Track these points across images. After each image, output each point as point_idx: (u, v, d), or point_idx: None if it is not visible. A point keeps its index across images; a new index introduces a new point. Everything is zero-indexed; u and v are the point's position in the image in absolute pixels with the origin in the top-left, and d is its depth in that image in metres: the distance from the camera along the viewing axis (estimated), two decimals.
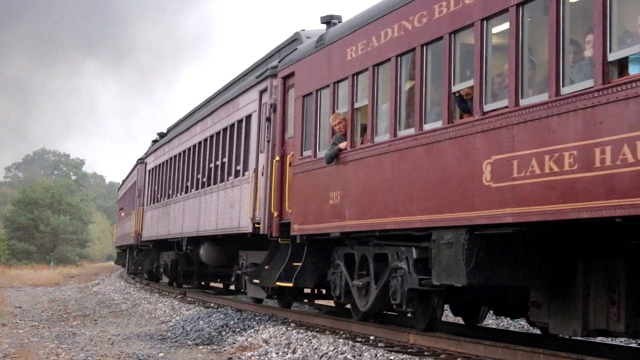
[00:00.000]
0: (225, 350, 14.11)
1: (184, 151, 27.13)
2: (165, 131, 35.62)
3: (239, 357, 13.00)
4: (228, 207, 20.58)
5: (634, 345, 13.73)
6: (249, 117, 19.38)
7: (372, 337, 13.20)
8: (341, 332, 14.29)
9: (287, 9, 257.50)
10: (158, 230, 30.80)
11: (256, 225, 17.95)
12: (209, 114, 24.10)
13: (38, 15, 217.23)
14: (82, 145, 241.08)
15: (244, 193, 19.11)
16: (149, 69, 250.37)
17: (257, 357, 12.70)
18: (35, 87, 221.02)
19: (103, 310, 23.41)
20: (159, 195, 31.44)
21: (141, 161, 37.99)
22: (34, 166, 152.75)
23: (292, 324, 16.02)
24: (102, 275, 54.84)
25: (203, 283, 30.93)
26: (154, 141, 36.71)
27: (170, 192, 29.04)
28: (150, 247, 34.24)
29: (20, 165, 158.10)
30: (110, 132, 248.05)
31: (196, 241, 25.21)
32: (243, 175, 19.48)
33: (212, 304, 22.63)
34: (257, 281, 17.97)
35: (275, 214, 16.60)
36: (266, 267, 17.51)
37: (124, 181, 52.65)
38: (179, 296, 27.04)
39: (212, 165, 23.05)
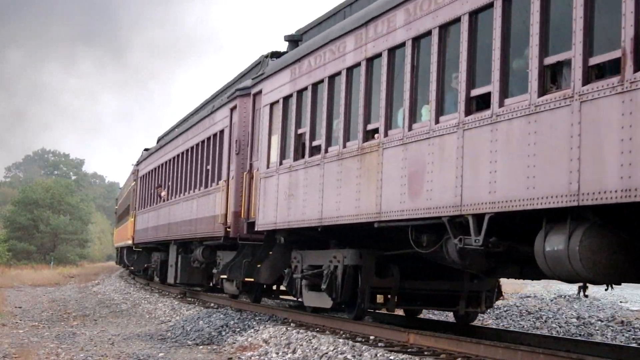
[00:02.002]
0: (225, 350, 14.11)
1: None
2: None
3: (239, 357, 13.00)
4: None
5: (633, 345, 13.74)
6: None
7: (372, 337, 13.18)
8: (341, 332, 14.27)
9: (286, 9, 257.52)
10: (324, 207, 14.97)
11: None
12: None
13: (38, 13, 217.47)
14: (82, 145, 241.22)
15: None
16: (148, 69, 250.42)
17: (257, 357, 12.70)
18: (35, 87, 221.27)
19: (103, 310, 23.41)
20: (329, 141, 15.07)
21: (243, 92, 20.63)
22: (34, 166, 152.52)
23: (292, 324, 16.00)
24: (102, 275, 54.82)
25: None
26: (273, 56, 19.44)
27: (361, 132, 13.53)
28: (281, 242, 17.84)
29: (20, 165, 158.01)
30: (109, 132, 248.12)
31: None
32: None
33: (212, 304, 22.62)
34: None
35: None
36: None
37: (161, 145, 33.91)
38: (179, 296, 27.05)
39: None
